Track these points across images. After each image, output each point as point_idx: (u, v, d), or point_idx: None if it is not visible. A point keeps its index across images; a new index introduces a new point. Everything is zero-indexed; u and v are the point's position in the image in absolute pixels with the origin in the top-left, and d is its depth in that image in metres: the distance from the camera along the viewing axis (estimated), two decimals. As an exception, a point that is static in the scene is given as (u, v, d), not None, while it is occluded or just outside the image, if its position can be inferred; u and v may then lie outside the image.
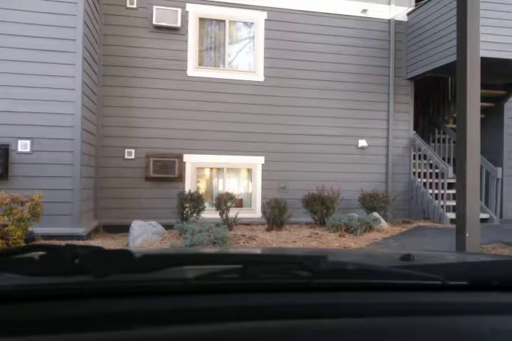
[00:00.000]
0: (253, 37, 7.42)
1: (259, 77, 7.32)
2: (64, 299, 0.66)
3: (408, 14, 7.90)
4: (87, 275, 0.65)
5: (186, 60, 7.04)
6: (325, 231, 6.13)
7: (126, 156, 6.77)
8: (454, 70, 3.89)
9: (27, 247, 0.70)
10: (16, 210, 4.46)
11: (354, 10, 7.68)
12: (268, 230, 6.27)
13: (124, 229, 5.85)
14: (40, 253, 0.66)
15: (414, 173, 7.87)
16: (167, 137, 6.90)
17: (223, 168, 7.27)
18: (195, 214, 6.16)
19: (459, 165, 3.66)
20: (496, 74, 7.30)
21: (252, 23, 7.40)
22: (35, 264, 0.66)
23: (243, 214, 6.61)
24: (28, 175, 5.34)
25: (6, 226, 4.40)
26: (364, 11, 7.70)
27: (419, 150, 7.84)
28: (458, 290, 0.78)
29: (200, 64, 7.19)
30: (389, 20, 7.84)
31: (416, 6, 7.86)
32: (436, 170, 7.62)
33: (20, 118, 5.35)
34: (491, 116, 8.35)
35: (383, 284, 0.77)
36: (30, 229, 4.69)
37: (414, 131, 8.00)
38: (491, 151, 8.04)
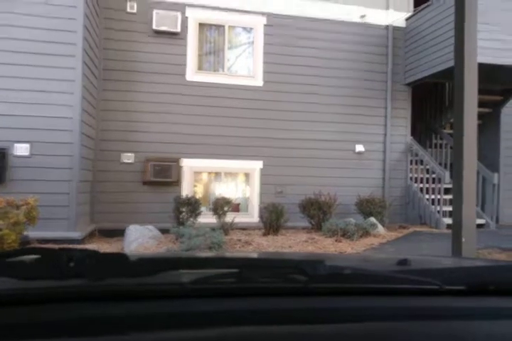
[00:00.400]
0: (252, 42, 7.45)
1: (258, 81, 7.34)
2: (59, 302, 0.66)
3: (406, 20, 7.95)
4: (83, 278, 0.65)
5: (185, 65, 7.06)
6: (321, 236, 6.12)
7: (124, 160, 6.76)
8: (451, 76, 3.92)
9: (22, 250, 0.70)
10: (12, 214, 4.43)
11: (352, 15, 7.72)
12: (265, 235, 6.26)
13: (120, 233, 5.83)
14: (36, 256, 0.66)
15: (411, 178, 7.89)
16: (165, 141, 6.90)
17: (221, 173, 7.27)
18: (191, 219, 6.14)
19: (456, 170, 3.67)
20: (493, 80, 7.34)
21: (251, 28, 7.44)
22: (30, 268, 0.66)
23: (240, 218, 6.60)
24: (26, 179, 5.31)
25: (1, 230, 4.37)
26: (362, 16, 7.75)
27: (416, 155, 7.86)
28: (455, 295, 0.78)
29: (200, 68, 7.21)
30: (387, 25, 7.89)
31: (414, 11, 7.91)
32: (433, 176, 7.64)
33: (19, 121, 5.34)
34: (488, 121, 8.39)
35: (380, 289, 0.77)
36: (25, 233, 4.66)
37: (412, 137, 8.03)
38: (488, 157, 8.07)
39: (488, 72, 6.21)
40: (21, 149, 5.35)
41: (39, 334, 0.59)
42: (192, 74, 7.08)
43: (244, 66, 7.51)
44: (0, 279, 0.68)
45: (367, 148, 7.70)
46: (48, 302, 0.66)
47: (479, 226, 6.44)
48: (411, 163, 7.91)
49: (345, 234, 5.94)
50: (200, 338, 0.61)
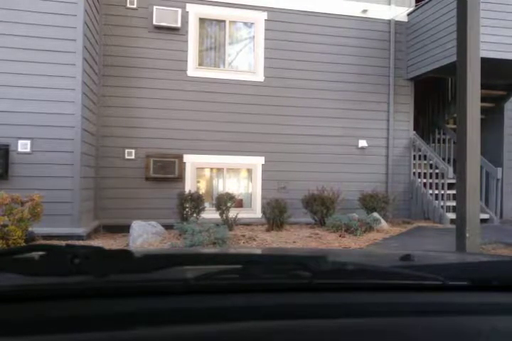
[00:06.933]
0: (253, 37, 7.42)
1: (259, 77, 7.32)
2: (64, 299, 0.66)
3: (408, 14, 7.90)
4: (87, 275, 0.65)
5: (186, 60, 7.04)
6: (325, 231, 6.12)
7: (127, 156, 6.77)
8: (454, 70, 3.89)
9: (27, 247, 0.70)
10: (16, 210, 4.46)
11: (354, 10, 7.68)
12: (268, 230, 6.27)
13: (124, 229, 5.85)
14: (40, 253, 0.66)
15: (414, 174, 7.87)
16: (167, 137, 6.90)
17: (223, 168, 7.27)
18: (195, 215, 6.15)
19: (459, 165, 3.66)
20: (496, 75, 7.30)
21: (252, 23, 7.41)
22: (35, 264, 0.66)
23: (243, 214, 6.61)
24: (28, 175, 5.33)
25: (6, 226, 4.40)
26: (364, 11, 7.70)
27: (420, 150, 7.84)
28: (458, 291, 0.78)
29: (201, 64, 7.19)
30: (389, 20, 7.85)
31: (416, 6, 7.86)
32: (437, 171, 7.62)
33: (21, 118, 5.35)
34: (491, 116, 8.35)
35: (383, 284, 0.77)
36: (30, 229, 4.70)
37: (415, 132, 8.00)
38: (491, 152, 8.04)
39: (491, 67, 6.17)
40: (23, 146, 5.37)
41: (44, 331, 0.60)
42: (193, 69, 7.07)
43: (245, 61, 7.49)
44: (6, 276, 0.68)
45: (370, 143, 7.68)
46: (53, 299, 0.66)
47: (483, 221, 6.43)
48: (414, 158, 7.89)
49: (349, 230, 5.94)
50: (204, 334, 0.61)
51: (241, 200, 7.17)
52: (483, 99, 4.18)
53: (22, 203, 4.58)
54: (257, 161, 7.30)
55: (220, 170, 7.31)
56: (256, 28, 7.38)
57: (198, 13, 7.13)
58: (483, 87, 3.78)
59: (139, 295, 0.68)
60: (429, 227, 6.82)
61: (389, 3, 7.87)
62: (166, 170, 6.78)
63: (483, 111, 7.27)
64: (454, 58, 5.23)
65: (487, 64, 5.08)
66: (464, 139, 3.54)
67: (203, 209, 6.27)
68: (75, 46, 5.48)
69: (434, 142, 8.83)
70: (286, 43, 7.39)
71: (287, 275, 0.73)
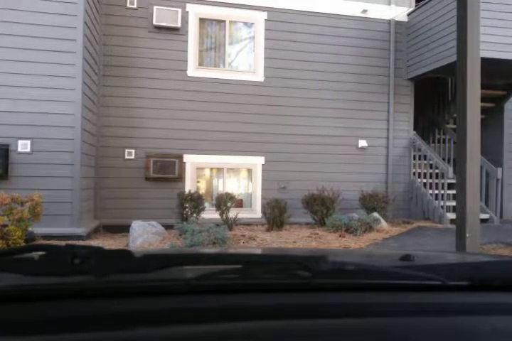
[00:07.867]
0: (253, 37, 7.42)
1: (260, 77, 7.32)
2: (64, 299, 0.66)
3: (408, 14, 7.90)
4: (87, 275, 0.65)
5: (186, 60, 7.05)
6: (325, 231, 6.12)
7: (127, 156, 6.77)
8: (454, 70, 3.89)
9: (27, 247, 0.70)
10: (16, 210, 4.46)
11: (354, 10, 7.68)
12: (268, 230, 6.27)
13: (124, 229, 5.85)
14: (40, 253, 0.66)
15: (414, 174, 7.87)
16: (167, 137, 6.90)
17: (223, 168, 7.27)
18: (195, 215, 6.15)
19: (459, 165, 3.66)
20: (496, 75, 7.30)
21: (252, 24, 7.41)
22: (35, 264, 0.66)
23: (243, 214, 6.61)
24: (28, 175, 5.33)
25: (6, 226, 4.40)
26: (364, 11, 7.70)
27: (420, 150, 7.84)
28: (458, 291, 0.78)
29: (201, 64, 7.19)
30: (389, 20, 7.85)
31: (416, 6, 7.86)
32: (437, 171, 7.62)
33: (21, 118, 5.35)
34: (491, 116, 8.35)
35: (383, 284, 0.77)
36: (30, 229, 4.70)
37: (415, 132, 8.00)
38: (491, 152, 8.04)
39: (491, 67, 6.17)
40: (23, 146, 5.37)
41: (44, 331, 0.60)
42: (193, 69, 7.07)
43: (245, 61, 7.49)
44: (5, 276, 0.68)
45: (370, 143, 7.68)
46: (53, 299, 0.66)
47: (483, 221, 6.43)
48: (414, 158, 7.89)
49: (349, 230, 5.94)
50: (204, 334, 0.61)
51: (241, 200, 7.17)
52: (483, 99, 4.18)
53: (22, 203, 4.58)
54: (257, 161, 7.30)
55: (220, 170, 7.31)
56: (256, 28, 7.38)
57: (198, 13, 7.13)
58: (483, 87, 3.78)
59: (139, 295, 0.68)
60: (429, 227, 6.82)
61: (389, 3, 7.87)
62: (166, 170, 6.78)
63: (483, 111, 7.26)
64: (454, 58, 5.22)
65: (487, 64, 5.08)
66: (464, 139, 3.54)
67: (203, 209, 6.27)
68: (75, 46, 5.48)
69: (434, 142, 8.83)
70: (286, 43, 7.39)
71: (287, 275, 0.73)
